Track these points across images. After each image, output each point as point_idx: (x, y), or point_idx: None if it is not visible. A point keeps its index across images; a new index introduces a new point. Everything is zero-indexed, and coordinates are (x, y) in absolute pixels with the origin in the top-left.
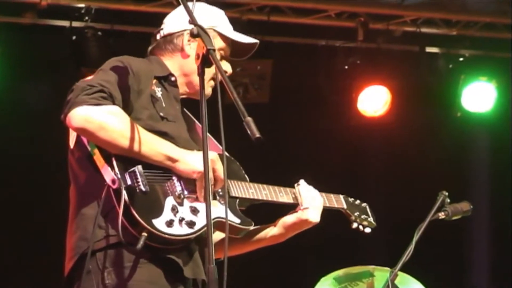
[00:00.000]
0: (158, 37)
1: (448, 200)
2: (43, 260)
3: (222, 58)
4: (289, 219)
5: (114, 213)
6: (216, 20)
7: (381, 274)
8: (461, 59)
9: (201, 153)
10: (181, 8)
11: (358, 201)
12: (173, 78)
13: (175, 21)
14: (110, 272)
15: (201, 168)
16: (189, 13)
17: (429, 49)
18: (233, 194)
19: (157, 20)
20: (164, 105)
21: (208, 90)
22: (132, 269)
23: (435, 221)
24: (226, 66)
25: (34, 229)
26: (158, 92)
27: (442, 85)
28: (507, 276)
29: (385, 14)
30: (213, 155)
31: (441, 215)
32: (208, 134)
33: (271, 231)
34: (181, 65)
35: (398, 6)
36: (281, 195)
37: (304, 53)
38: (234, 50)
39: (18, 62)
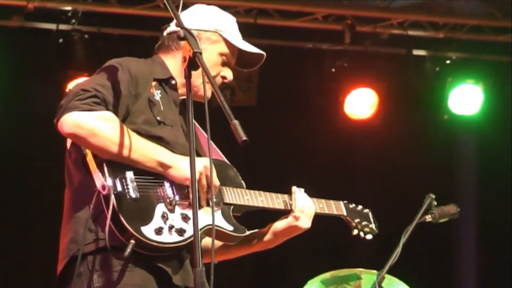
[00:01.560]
0: (164, 34)
1: (435, 203)
2: (39, 259)
3: (224, 64)
4: (279, 224)
5: (104, 217)
6: (223, 25)
7: (368, 276)
8: (448, 61)
9: (196, 158)
10: (193, 8)
11: (360, 207)
12: (173, 82)
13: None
14: (100, 275)
15: None
16: (175, 15)
17: (416, 52)
18: (227, 201)
19: (144, 23)
20: (162, 108)
21: (209, 92)
22: (121, 273)
23: (422, 224)
24: (227, 72)
25: (32, 230)
26: (157, 95)
27: (429, 88)
28: (495, 278)
29: (372, 17)
30: (206, 162)
31: (428, 217)
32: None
33: (261, 237)
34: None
35: (385, 9)
36: (278, 202)
37: (291, 56)
38: (241, 60)
39: (5, 65)
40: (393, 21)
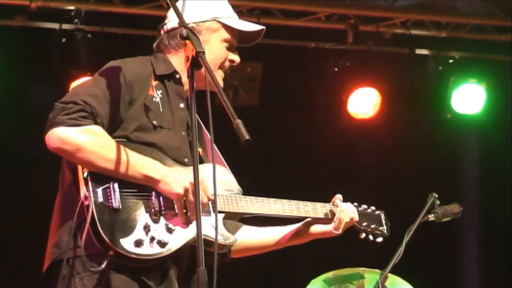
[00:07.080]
0: (161, 32)
1: (438, 202)
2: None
3: (229, 48)
4: (319, 228)
5: (85, 226)
6: (218, 11)
7: (371, 276)
8: (450, 61)
9: (185, 170)
10: (182, 0)
11: (371, 209)
12: (177, 76)
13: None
14: (82, 278)
15: (179, 190)
16: (178, 14)
17: (419, 51)
18: (218, 209)
19: (147, 22)
20: (161, 110)
21: (221, 82)
22: (103, 276)
23: (425, 223)
24: (234, 56)
25: (32, 231)
26: (157, 96)
27: (432, 87)
28: (497, 277)
29: (375, 16)
30: (191, 177)
31: (431, 217)
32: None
33: (290, 234)
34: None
35: (388, 8)
36: (276, 208)
37: (294, 55)
38: (241, 38)
39: (8, 64)
40: (396, 21)
